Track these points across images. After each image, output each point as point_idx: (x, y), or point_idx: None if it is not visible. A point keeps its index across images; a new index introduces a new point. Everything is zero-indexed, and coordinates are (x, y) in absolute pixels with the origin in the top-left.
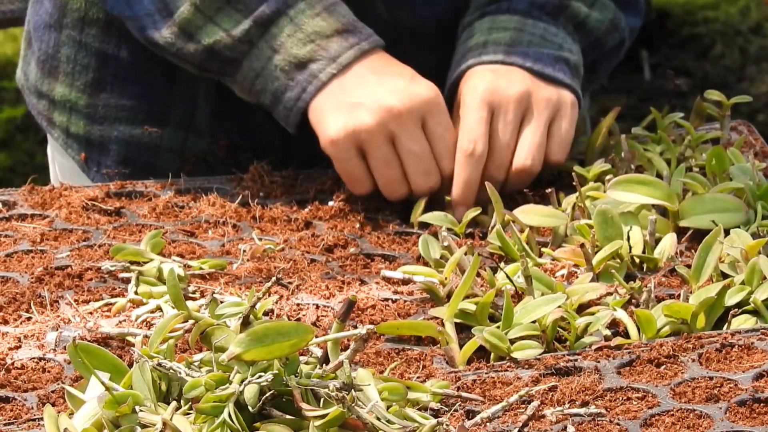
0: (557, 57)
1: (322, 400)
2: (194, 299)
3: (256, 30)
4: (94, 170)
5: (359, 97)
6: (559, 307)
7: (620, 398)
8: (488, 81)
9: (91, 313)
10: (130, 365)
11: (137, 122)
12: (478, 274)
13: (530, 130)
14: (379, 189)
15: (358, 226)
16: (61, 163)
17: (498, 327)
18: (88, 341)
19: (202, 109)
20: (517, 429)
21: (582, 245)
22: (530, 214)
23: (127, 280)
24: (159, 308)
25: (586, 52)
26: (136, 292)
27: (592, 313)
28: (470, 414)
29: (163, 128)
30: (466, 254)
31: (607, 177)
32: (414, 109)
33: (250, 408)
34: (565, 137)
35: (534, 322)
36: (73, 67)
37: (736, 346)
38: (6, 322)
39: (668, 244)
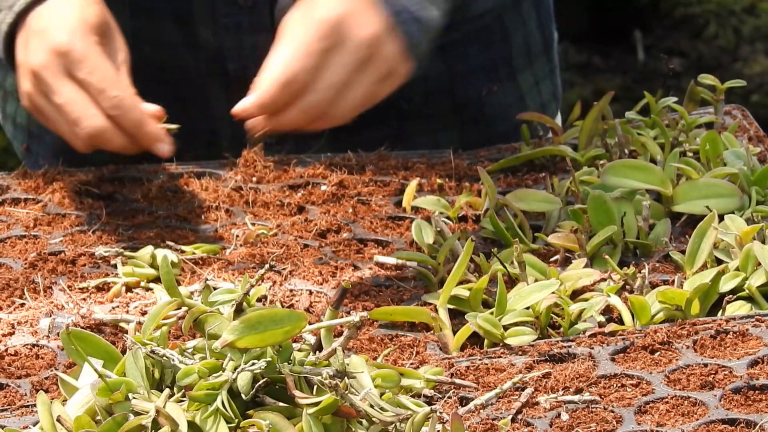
0: (416, 17)
1: (315, 387)
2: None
3: None
4: (32, 161)
5: (20, 57)
6: (553, 293)
7: (614, 385)
8: (346, 5)
9: (84, 299)
10: (123, 352)
11: None
12: (472, 260)
13: (362, 82)
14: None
15: (351, 210)
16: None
17: (491, 313)
18: (82, 328)
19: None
20: (510, 416)
21: (576, 230)
22: (524, 198)
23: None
24: (150, 290)
25: None
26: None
27: (586, 299)
28: (464, 401)
29: None
30: (459, 239)
31: (601, 162)
32: (53, 64)
33: (243, 395)
34: (371, 100)
35: (528, 308)
36: None
37: (731, 333)
38: None
39: (662, 229)
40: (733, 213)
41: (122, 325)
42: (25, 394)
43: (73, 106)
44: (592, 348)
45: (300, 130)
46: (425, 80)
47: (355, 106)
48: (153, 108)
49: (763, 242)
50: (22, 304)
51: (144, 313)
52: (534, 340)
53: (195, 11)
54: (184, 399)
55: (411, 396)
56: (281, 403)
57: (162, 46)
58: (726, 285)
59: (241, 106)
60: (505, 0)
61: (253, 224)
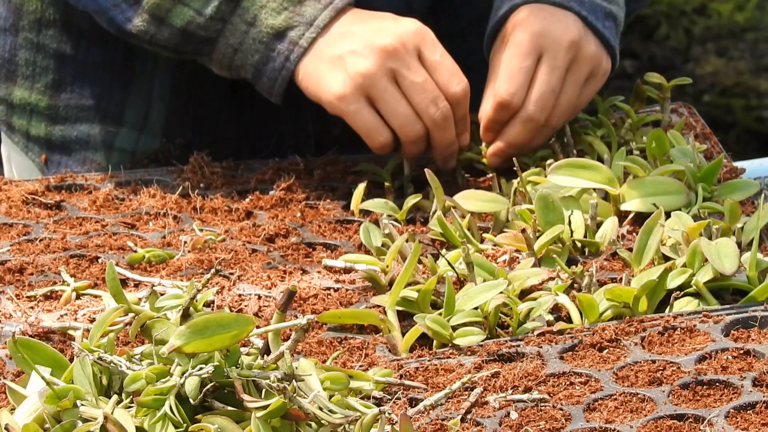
0: (607, 12)
1: (263, 391)
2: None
3: (226, 6)
4: (53, 171)
5: (347, 47)
6: (501, 293)
7: (563, 383)
8: (542, 21)
9: (32, 307)
10: (71, 360)
11: (95, 122)
12: (420, 261)
13: (569, 86)
14: (398, 140)
15: (299, 215)
16: (18, 163)
17: (440, 314)
18: (30, 336)
19: (156, 108)
20: (460, 416)
21: (523, 230)
22: (471, 199)
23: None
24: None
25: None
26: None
27: (534, 299)
28: (413, 402)
29: (118, 128)
30: (407, 241)
31: (548, 162)
32: (407, 42)
33: (191, 400)
34: (582, 102)
35: (476, 308)
36: (32, 70)
37: (679, 329)
38: None
39: (609, 227)
40: (679, 210)
41: (70, 332)
42: None
43: (429, 85)
44: (541, 347)
45: (527, 147)
46: None
47: (567, 112)
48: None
49: (710, 238)
50: None
51: (92, 321)
52: (483, 340)
53: None
54: (132, 405)
55: (360, 398)
56: (230, 408)
57: None
58: (673, 281)
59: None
60: None
61: (201, 230)
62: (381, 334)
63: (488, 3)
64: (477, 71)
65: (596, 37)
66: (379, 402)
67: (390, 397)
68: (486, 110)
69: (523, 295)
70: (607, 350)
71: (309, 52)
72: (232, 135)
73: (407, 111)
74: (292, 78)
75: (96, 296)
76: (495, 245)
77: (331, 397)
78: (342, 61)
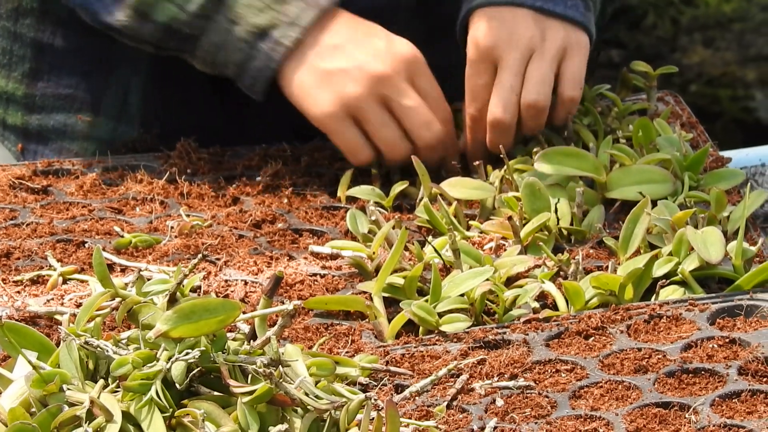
0: None
1: (249, 376)
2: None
3: (210, 3)
4: (30, 160)
5: (338, 64)
6: (487, 280)
7: (549, 370)
8: (491, 33)
9: (18, 292)
10: (58, 344)
11: (72, 111)
12: (406, 248)
13: (535, 66)
14: (381, 154)
15: (285, 201)
16: None
17: (426, 301)
18: (16, 320)
19: (134, 97)
20: (446, 403)
21: (510, 218)
22: (457, 186)
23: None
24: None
25: None
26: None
27: (521, 286)
28: (399, 388)
29: (95, 117)
30: (393, 228)
31: (534, 149)
32: (401, 70)
33: (177, 385)
34: (577, 73)
35: (462, 295)
36: (9, 58)
37: (664, 317)
38: None
39: (596, 215)
40: (666, 198)
41: (57, 317)
42: None
43: (422, 109)
44: (527, 334)
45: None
46: None
47: (546, 89)
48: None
49: (696, 227)
50: None
51: (79, 305)
52: (469, 327)
53: None
54: (118, 390)
55: (346, 384)
56: (216, 393)
57: None
58: (659, 270)
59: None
60: None
61: (188, 215)
62: (367, 320)
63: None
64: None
65: (560, 20)
66: (365, 388)
67: (376, 384)
68: (467, 133)
69: (509, 282)
70: (593, 338)
71: (294, 55)
72: (212, 125)
73: (395, 133)
74: (276, 78)
75: (82, 281)
76: (481, 232)
77: (317, 383)
78: (331, 79)
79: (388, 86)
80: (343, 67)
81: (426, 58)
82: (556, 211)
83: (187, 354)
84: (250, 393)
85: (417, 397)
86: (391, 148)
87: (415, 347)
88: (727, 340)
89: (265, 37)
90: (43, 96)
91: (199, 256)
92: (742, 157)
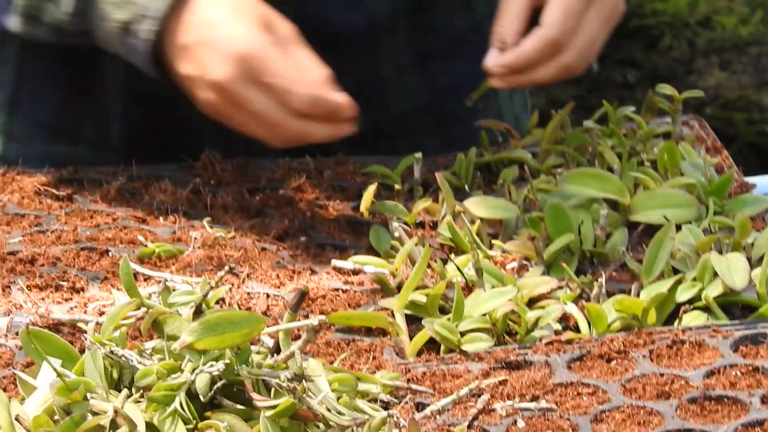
0: None
1: (273, 390)
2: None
3: (80, 2)
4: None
5: (191, 70)
6: (510, 300)
7: (570, 393)
8: None
9: (42, 298)
10: (82, 352)
11: (52, 140)
12: (429, 266)
13: (588, 20)
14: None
15: (309, 215)
16: None
17: (448, 319)
18: (40, 327)
19: (113, 125)
20: (467, 422)
21: (533, 238)
22: (481, 205)
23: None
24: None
25: None
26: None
27: (543, 307)
28: (420, 406)
29: (75, 146)
30: (416, 245)
31: (559, 170)
32: (235, 76)
33: (201, 397)
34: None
35: (484, 314)
36: None
37: (687, 343)
38: None
39: (619, 238)
40: (690, 223)
41: (80, 325)
42: None
43: (267, 112)
44: (549, 356)
45: (543, 85)
46: (408, 96)
47: (593, 58)
48: (342, 98)
49: (720, 252)
50: None
51: (102, 314)
52: (490, 347)
53: None
54: (142, 399)
55: (368, 401)
56: (239, 406)
57: None
58: (683, 295)
59: (497, 62)
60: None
61: (212, 227)
62: (389, 337)
63: (469, 25)
64: (460, 91)
65: None
66: (386, 405)
67: (397, 401)
68: (527, 50)
69: (532, 303)
70: (615, 361)
71: (164, 46)
72: (200, 143)
73: (268, 105)
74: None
75: (106, 290)
76: (504, 252)
77: (339, 398)
78: (199, 65)
79: (230, 93)
80: (193, 73)
81: (416, 81)
82: (579, 232)
83: (212, 366)
84: (273, 407)
85: (438, 416)
86: (269, 121)
87: (436, 365)
88: (750, 368)
89: (128, 33)
90: (22, 124)
91: (226, 268)
92: (766, 183)
